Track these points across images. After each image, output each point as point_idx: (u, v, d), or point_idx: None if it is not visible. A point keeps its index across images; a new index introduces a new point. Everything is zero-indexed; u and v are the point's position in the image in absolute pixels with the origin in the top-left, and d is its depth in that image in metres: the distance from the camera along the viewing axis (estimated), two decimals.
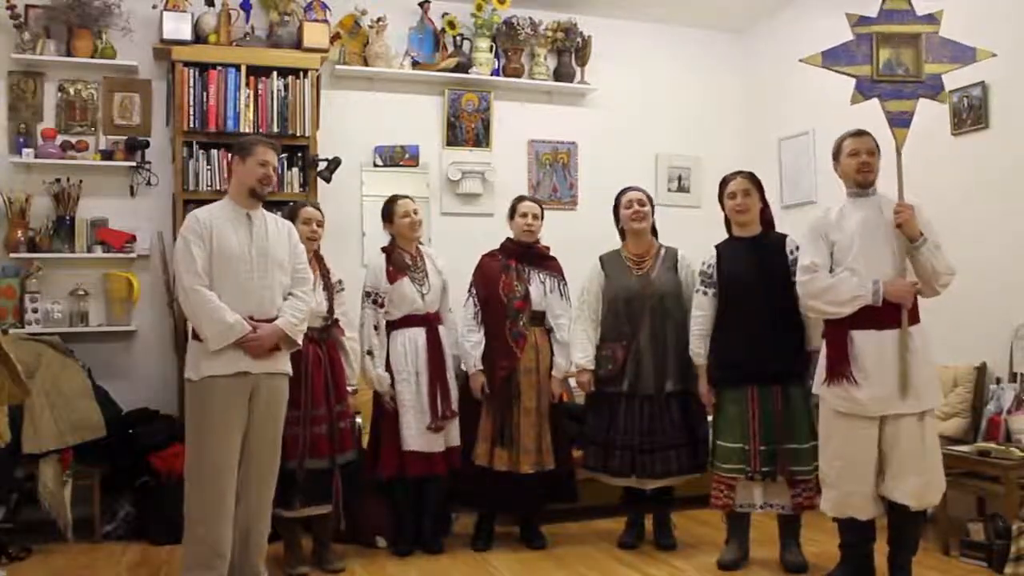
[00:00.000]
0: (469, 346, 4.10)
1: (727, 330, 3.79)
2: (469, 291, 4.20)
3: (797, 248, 3.65)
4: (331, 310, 3.91)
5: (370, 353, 4.04)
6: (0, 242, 4.67)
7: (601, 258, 4.22)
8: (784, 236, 3.83)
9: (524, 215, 4.21)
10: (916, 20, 3.39)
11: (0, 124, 4.76)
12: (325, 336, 3.88)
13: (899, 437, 3.24)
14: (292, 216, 3.92)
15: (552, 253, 4.33)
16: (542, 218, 4.27)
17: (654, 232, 4.23)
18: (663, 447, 3.96)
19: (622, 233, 4.23)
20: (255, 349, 3.26)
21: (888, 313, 3.25)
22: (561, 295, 4.22)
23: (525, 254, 4.22)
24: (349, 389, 3.96)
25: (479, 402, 4.08)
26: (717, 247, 3.89)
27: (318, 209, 4.01)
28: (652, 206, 4.20)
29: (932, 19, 3.40)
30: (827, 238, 3.42)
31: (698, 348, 3.87)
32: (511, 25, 5.55)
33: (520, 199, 4.34)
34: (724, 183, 3.88)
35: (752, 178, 3.85)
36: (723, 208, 3.90)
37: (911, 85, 3.36)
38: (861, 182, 3.41)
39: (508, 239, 4.28)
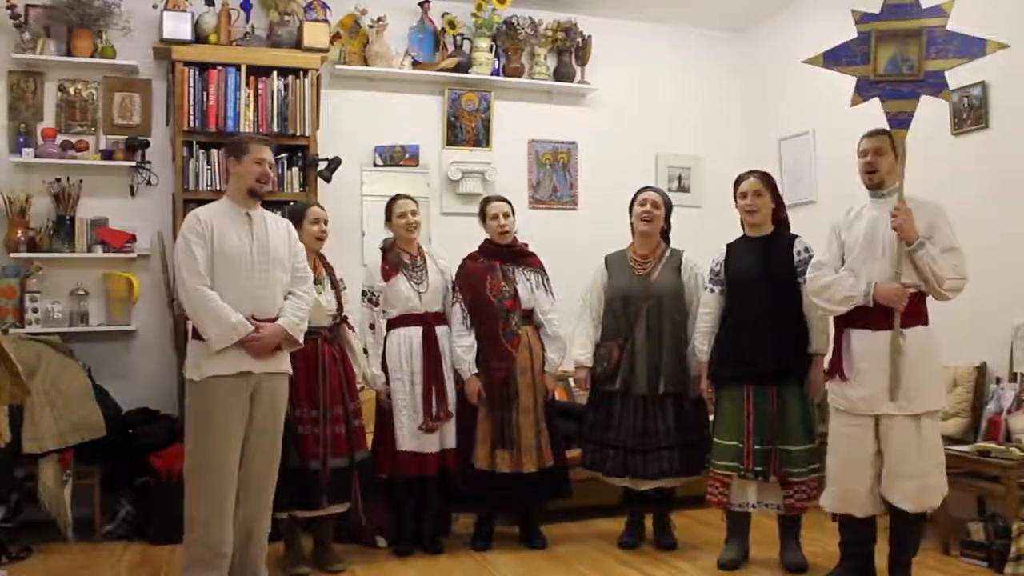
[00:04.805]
0: (461, 351, 4.08)
1: (728, 328, 3.80)
2: (455, 295, 4.18)
3: (805, 250, 3.69)
4: (340, 308, 3.92)
5: (365, 351, 4.05)
6: (0, 242, 4.67)
7: (606, 257, 4.23)
8: (794, 237, 3.81)
9: (495, 217, 4.18)
10: (922, 14, 3.28)
11: (0, 124, 4.76)
12: (336, 335, 3.90)
13: (891, 438, 3.26)
14: (299, 216, 3.92)
15: (536, 251, 4.32)
16: (514, 213, 4.24)
17: (665, 236, 4.20)
18: (655, 448, 3.97)
19: (633, 230, 4.22)
20: (257, 349, 3.26)
21: (884, 314, 3.25)
22: (546, 290, 4.23)
23: (507, 253, 4.21)
24: (358, 387, 3.97)
25: (475, 405, 4.07)
26: (728, 245, 3.90)
27: (323, 209, 4.01)
28: (668, 209, 4.17)
29: (940, 11, 3.27)
30: (839, 237, 3.45)
31: (701, 344, 3.88)
32: (511, 25, 5.55)
33: (487, 200, 4.30)
34: (737, 182, 3.87)
35: (765, 178, 3.84)
36: (736, 206, 3.90)
37: (909, 84, 3.29)
38: (866, 182, 3.42)
39: (487, 240, 4.27)
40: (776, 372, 3.65)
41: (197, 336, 3.27)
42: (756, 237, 3.84)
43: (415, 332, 4.07)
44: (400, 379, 4.03)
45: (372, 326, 4.09)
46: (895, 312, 3.23)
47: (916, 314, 3.29)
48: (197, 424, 3.26)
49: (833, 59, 3.39)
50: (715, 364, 3.83)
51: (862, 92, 3.36)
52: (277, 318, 3.34)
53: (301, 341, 3.45)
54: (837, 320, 3.42)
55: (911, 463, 3.23)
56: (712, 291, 3.89)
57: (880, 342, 3.26)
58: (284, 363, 3.41)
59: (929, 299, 3.32)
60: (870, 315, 3.28)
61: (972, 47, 3.24)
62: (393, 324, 4.12)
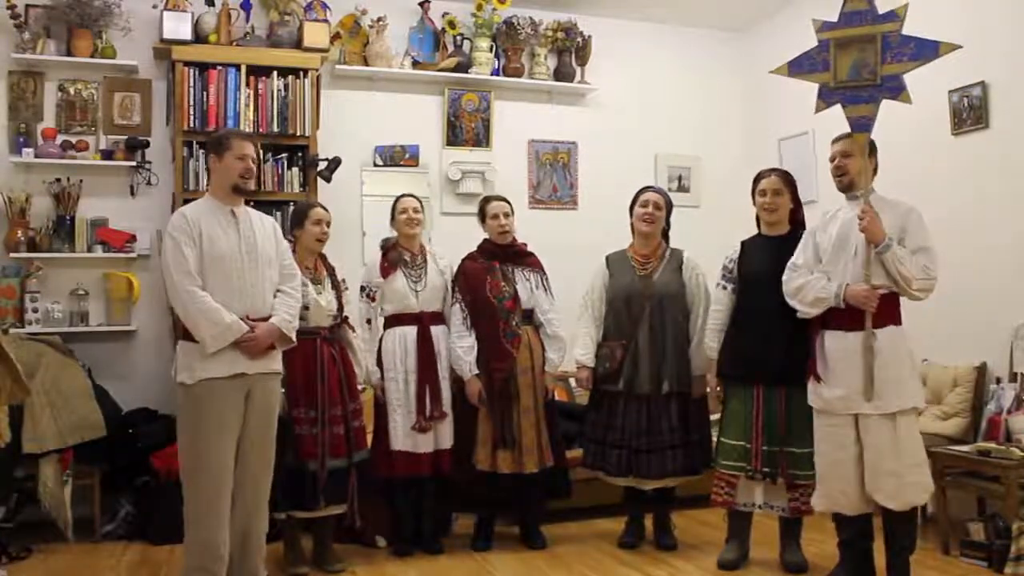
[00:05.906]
0: (462, 351, 4.07)
1: (739, 327, 3.79)
2: (454, 296, 4.17)
3: None
4: (341, 308, 3.92)
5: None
6: (0, 242, 4.67)
7: (607, 257, 4.22)
8: None
9: (495, 217, 4.17)
10: (876, 20, 3.30)
11: (0, 124, 4.76)
12: (336, 335, 3.90)
13: (869, 438, 3.27)
14: (302, 216, 3.92)
15: (535, 250, 4.31)
16: (513, 213, 4.23)
17: (665, 235, 4.20)
18: (659, 448, 3.96)
19: (633, 230, 4.22)
20: (253, 349, 3.23)
21: (855, 315, 3.26)
22: (546, 290, 4.23)
23: (506, 254, 4.21)
24: (359, 387, 3.97)
25: (475, 406, 4.06)
26: (743, 243, 3.89)
27: (326, 210, 3.99)
28: (669, 210, 4.17)
29: (893, 16, 3.28)
30: (814, 239, 3.48)
31: (712, 342, 3.88)
32: (511, 25, 5.55)
33: (486, 200, 4.29)
34: (757, 179, 3.85)
35: (785, 177, 3.82)
36: (754, 204, 3.88)
37: (868, 89, 3.30)
38: (837, 185, 3.45)
39: (486, 240, 4.26)
40: (785, 373, 3.63)
41: (188, 337, 3.21)
42: (772, 236, 3.81)
43: (410, 331, 4.07)
44: (394, 378, 4.03)
45: (369, 321, 4.10)
46: (866, 313, 3.24)
47: (888, 314, 3.28)
48: (191, 427, 3.20)
49: (797, 68, 3.47)
50: (724, 363, 3.82)
51: (825, 99, 3.42)
52: (269, 317, 3.30)
53: (294, 339, 3.42)
54: (813, 322, 3.42)
55: (889, 461, 3.23)
56: (724, 288, 3.87)
57: (853, 343, 3.28)
58: (276, 362, 3.38)
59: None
60: (843, 316, 3.30)
61: (926, 50, 3.24)
62: (389, 323, 4.12)
